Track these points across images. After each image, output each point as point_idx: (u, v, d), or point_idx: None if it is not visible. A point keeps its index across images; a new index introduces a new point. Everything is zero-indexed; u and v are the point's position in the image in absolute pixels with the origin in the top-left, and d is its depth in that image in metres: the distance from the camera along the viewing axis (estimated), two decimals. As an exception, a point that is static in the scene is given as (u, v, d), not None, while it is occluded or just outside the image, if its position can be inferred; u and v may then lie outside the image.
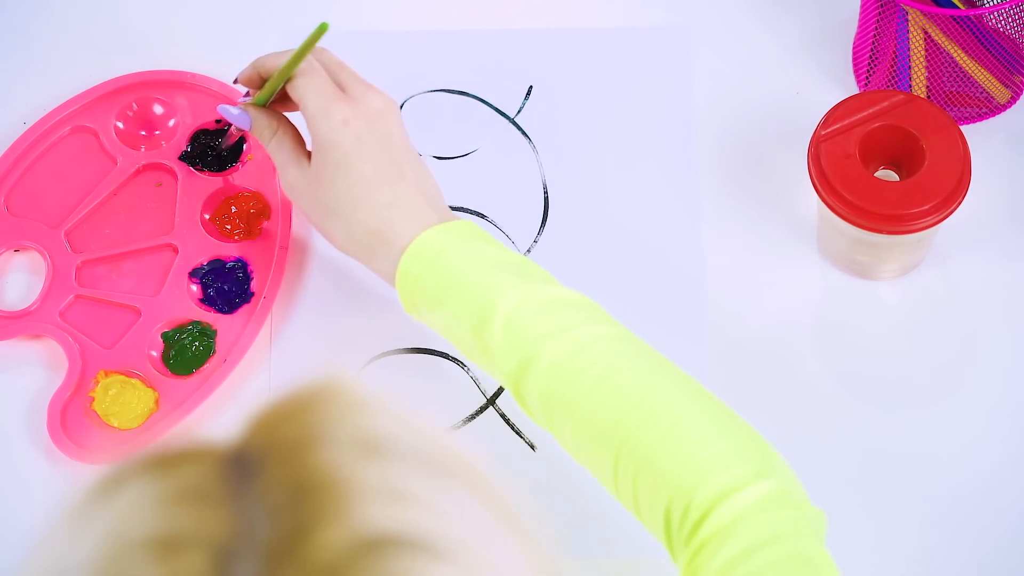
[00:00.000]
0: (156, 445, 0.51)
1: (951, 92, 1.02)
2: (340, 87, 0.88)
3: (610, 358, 0.80)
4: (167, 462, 0.50)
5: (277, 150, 0.90)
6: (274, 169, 1.02)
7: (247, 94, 0.93)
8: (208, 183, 1.02)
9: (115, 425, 0.95)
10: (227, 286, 0.99)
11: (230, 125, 0.99)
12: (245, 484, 0.48)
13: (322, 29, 0.84)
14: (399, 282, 0.85)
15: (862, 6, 1.01)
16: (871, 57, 1.03)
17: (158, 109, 1.04)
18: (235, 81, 0.93)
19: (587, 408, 0.79)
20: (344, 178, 0.86)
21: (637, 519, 0.79)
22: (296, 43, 0.88)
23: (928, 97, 1.01)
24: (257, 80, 0.91)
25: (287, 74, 0.88)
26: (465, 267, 0.83)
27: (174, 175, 1.02)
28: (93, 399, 0.96)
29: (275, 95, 0.91)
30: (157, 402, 0.96)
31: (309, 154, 0.89)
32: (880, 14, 1.00)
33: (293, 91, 0.88)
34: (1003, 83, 1.02)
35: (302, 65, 0.87)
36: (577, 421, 0.80)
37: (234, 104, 0.92)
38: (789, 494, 0.76)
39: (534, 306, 0.82)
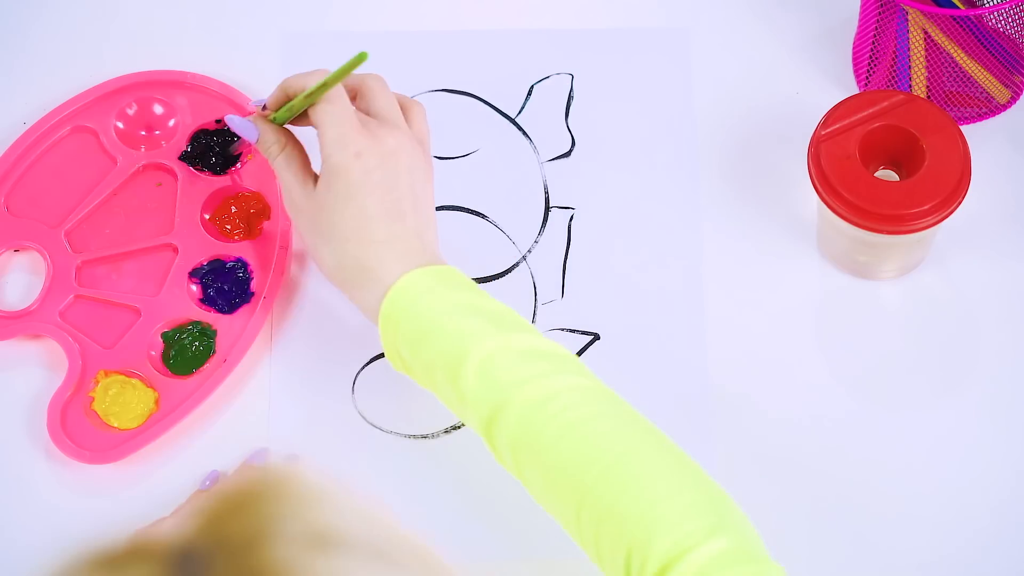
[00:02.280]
0: (102, 544, 0.50)
1: (951, 92, 1.02)
2: (366, 114, 0.89)
3: (579, 408, 0.81)
4: (114, 564, 0.49)
5: (284, 167, 0.90)
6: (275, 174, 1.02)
7: (264, 108, 0.93)
8: (208, 183, 1.02)
9: (115, 425, 0.95)
10: (227, 286, 0.99)
11: (236, 135, 0.99)
12: None
13: (359, 59, 0.83)
14: (381, 320, 0.86)
15: (862, 6, 1.01)
16: (871, 57, 1.03)
17: (158, 109, 1.04)
18: (264, 107, 0.92)
19: (554, 456, 0.80)
20: (345, 208, 0.86)
21: (600, 569, 0.79)
22: (305, 56, 0.88)
23: (928, 97, 1.01)
24: (284, 101, 0.91)
25: (313, 99, 0.87)
26: (444, 312, 0.84)
27: (174, 175, 1.02)
28: (93, 399, 0.96)
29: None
30: (157, 402, 0.96)
31: (314, 176, 0.90)
32: (880, 14, 1.00)
33: (314, 114, 0.88)
34: (1003, 83, 1.02)
35: (334, 93, 0.87)
36: (544, 468, 0.81)
37: (243, 114, 0.92)
38: (745, 551, 0.76)
39: (508, 354, 0.83)
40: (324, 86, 0.86)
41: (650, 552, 0.76)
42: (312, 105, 0.88)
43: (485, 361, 0.82)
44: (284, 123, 0.91)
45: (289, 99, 0.90)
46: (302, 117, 0.90)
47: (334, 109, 0.87)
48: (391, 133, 0.88)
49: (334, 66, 0.87)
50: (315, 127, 0.88)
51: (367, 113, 0.90)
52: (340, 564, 0.49)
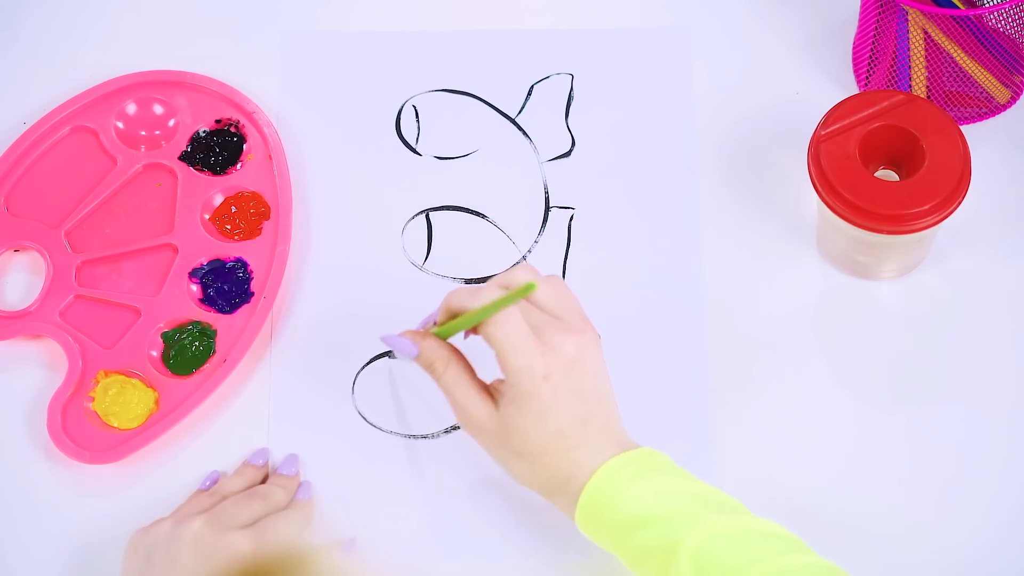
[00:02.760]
0: None
1: (951, 92, 1.02)
2: (534, 329, 0.84)
3: None
4: None
5: (454, 384, 0.86)
6: (273, 169, 1.02)
7: (434, 324, 0.88)
8: (208, 183, 1.02)
9: (115, 425, 0.95)
10: (227, 286, 0.99)
11: (230, 126, 0.98)
12: None
13: (529, 288, 0.81)
14: (579, 515, 0.84)
15: (862, 6, 1.01)
16: (871, 57, 1.03)
17: (158, 109, 1.04)
18: (435, 323, 0.88)
19: None
20: (537, 428, 0.84)
21: None
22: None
23: (928, 97, 1.01)
24: (448, 318, 0.87)
25: (478, 319, 0.84)
26: (648, 503, 0.82)
27: (174, 175, 1.02)
28: (93, 399, 0.96)
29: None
30: (157, 402, 0.96)
31: (487, 391, 0.86)
32: (880, 14, 1.00)
33: (488, 337, 0.84)
34: (1003, 83, 1.02)
35: (501, 313, 0.84)
36: None
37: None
38: None
39: (724, 539, 0.80)
40: (491, 308, 0.83)
41: None
42: (481, 323, 0.84)
43: (699, 549, 0.79)
44: (445, 338, 0.88)
45: (453, 317, 0.87)
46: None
47: (508, 331, 0.83)
48: (567, 338, 0.84)
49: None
50: (490, 345, 0.84)
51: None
52: None
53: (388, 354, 0.98)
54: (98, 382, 0.96)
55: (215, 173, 1.02)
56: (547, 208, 1.03)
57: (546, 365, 0.83)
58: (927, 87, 1.01)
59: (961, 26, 0.99)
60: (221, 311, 0.98)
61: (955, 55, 1.00)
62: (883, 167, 0.96)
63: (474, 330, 0.86)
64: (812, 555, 0.80)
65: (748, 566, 0.78)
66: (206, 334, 0.97)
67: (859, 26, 1.03)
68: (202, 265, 0.99)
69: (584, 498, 0.83)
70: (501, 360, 0.83)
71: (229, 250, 1.00)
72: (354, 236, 1.02)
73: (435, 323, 0.88)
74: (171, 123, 1.04)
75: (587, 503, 0.83)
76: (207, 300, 0.99)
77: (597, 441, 0.84)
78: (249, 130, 1.03)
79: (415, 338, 0.87)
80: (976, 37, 0.99)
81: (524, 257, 1.01)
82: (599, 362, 0.86)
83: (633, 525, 0.81)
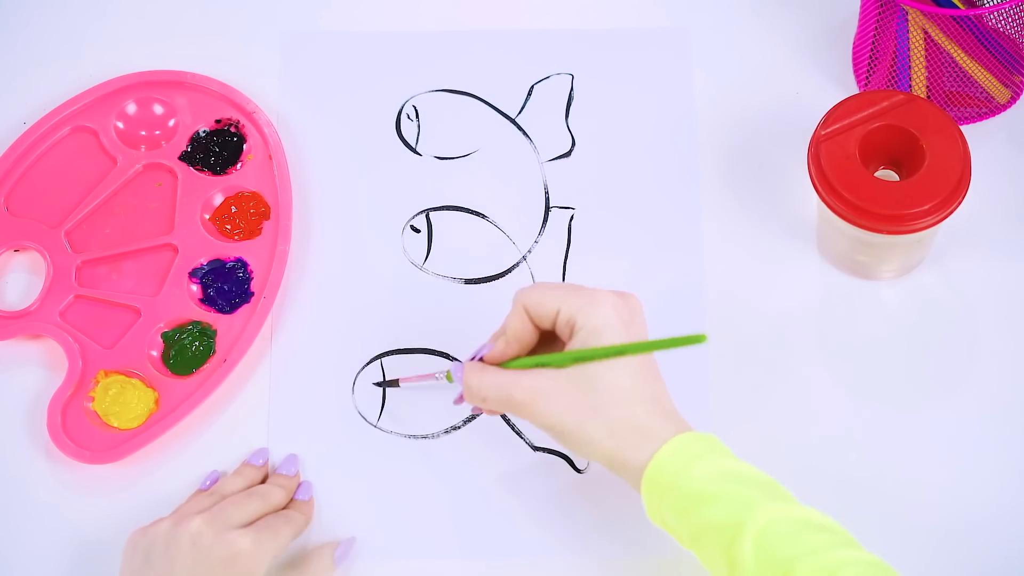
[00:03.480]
0: None
1: (951, 92, 1.02)
2: None
3: None
4: None
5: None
6: (273, 169, 1.02)
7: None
8: (208, 183, 1.02)
9: (115, 425, 0.95)
10: (227, 286, 0.99)
11: (230, 126, 0.98)
12: None
13: (699, 339, 0.81)
14: (645, 484, 0.83)
15: (862, 6, 1.01)
16: (871, 57, 1.03)
17: (158, 109, 1.04)
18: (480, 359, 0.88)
19: None
20: (608, 370, 0.84)
21: None
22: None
23: (928, 97, 1.01)
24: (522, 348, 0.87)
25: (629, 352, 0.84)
26: (715, 480, 0.82)
27: (174, 175, 1.02)
28: (93, 399, 0.96)
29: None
30: (157, 402, 0.96)
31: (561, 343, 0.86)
32: (880, 14, 1.00)
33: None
34: (1003, 83, 1.02)
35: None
36: None
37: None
38: None
39: (785, 525, 0.80)
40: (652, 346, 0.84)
41: None
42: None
43: (763, 532, 0.80)
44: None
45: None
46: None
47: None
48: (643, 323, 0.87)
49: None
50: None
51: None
52: None
53: (386, 355, 0.98)
54: (98, 382, 0.96)
55: (215, 173, 1.02)
56: (547, 208, 1.03)
57: (614, 300, 0.85)
58: (927, 87, 1.01)
59: (961, 26, 0.99)
60: (221, 311, 0.98)
61: (955, 55, 1.00)
62: (883, 167, 0.96)
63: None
64: (862, 550, 0.81)
65: (805, 556, 0.79)
66: (206, 334, 0.97)
67: (859, 26, 1.03)
68: (202, 265, 0.99)
69: (651, 470, 0.83)
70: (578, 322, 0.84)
71: (229, 250, 1.00)
72: (354, 236, 1.02)
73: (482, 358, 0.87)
74: (171, 123, 1.04)
75: (653, 475, 0.83)
76: (207, 300, 0.99)
77: (668, 404, 0.85)
78: (249, 130, 1.03)
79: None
80: (976, 37, 0.99)
81: (524, 257, 1.01)
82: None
83: (700, 500, 0.82)
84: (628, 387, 0.84)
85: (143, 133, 1.04)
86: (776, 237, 1.01)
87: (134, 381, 0.96)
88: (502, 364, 0.86)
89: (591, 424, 0.84)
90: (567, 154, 1.04)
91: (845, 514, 0.92)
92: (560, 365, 0.84)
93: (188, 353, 0.97)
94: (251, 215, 1.01)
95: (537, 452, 0.95)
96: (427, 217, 1.02)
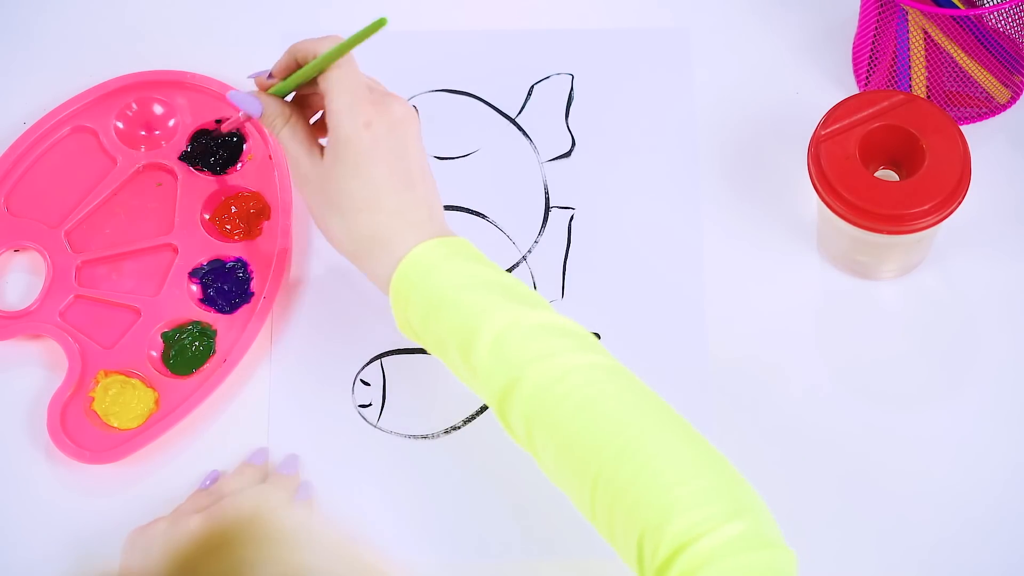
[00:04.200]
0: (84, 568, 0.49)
1: (951, 92, 1.02)
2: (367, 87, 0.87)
3: (594, 385, 0.80)
4: None
5: (290, 139, 0.89)
6: (273, 169, 1.02)
7: (270, 75, 0.90)
8: (208, 183, 1.02)
9: (115, 425, 0.95)
10: (227, 286, 0.99)
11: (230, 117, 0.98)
12: None
13: (378, 24, 0.82)
14: (393, 290, 0.85)
15: (862, 6, 1.01)
16: (871, 57, 1.03)
17: (158, 109, 1.04)
18: (270, 75, 0.90)
19: (568, 433, 0.79)
20: (355, 177, 0.86)
21: (612, 548, 0.79)
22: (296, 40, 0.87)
23: (928, 97, 1.01)
24: (292, 67, 0.89)
25: (326, 64, 0.85)
26: (457, 286, 0.83)
27: (174, 175, 1.02)
28: (93, 399, 0.96)
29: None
30: (157, 402, 0.96)
31: (320, 146, 0.89)
32: (880, 14, 1.00)
33: (324, 81, 0.86)
34: (1003, 83, 1.02)
35: (345, 61, 0.86)
36: (557, 446, 0.80)
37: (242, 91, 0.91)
38: (760, 535, 0.75)
39: (522, 330, 0.82)
40: (338, 52, 0.85)
41: (663, 535, 0.74)
42: (321, 72, 0.86)
43: (499, 336, 0.81)
44: (287, 94, 0.90)
45: (298, 66, 0.88)
46: (308, 84, 0.89)
47: (345, 75, 0.85)
48: (398, 101, 0.87)
49: (345, 32, 0.85)
50: (323, 94, 0.86)
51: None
52: None
53: (386, 355, 0.98)
54: (98, 382, 0.96)
55: (215, 173, 1.02)
56: (547, 208, 1.03)
57: (371, 113, 0.85)
58: (927, 87, 1.01)
59: (961, 26, 0.99)
60: (221, 311, 0.98)
61: (955, 55, 1.00)
62: (883, 167, 0.96)
63: (312, 83, 0.87)
64: (607, 356, 0.82)
65: (544, 357, 0.80)
66: (206, 334, 0.97)
67: (859, 26, 1.03)
68: (202, 265, 0.99)
69: (399, 272, 0.84)
70: (328, 103, 0.86)
71: (229, 250, 1.00)
72: (354, 236, 1.02)
73: (270, 75, 0.90)
74: (171, 123, 1.04)
75: (400, 277, 0.84)
76: (207, 300, 0.99)
77: (417, 216, 0.86)
78: (249, 130, 1.03)
79: (259, 95, 0.89)
80: (976, 37, 0.99)
81: (524, 257, 1.01)
82: (421, 142, 0.88)
83: (440, 305, 0.83)
84: (370, 197, 0.85)
85: (143, 133, 1.04)
86: (776, 237, 1.01)
87: (134, 381, 0.96)
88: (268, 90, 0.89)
89: (332, 222, 0.87)
90: (567, 154, 1.04)
91: (845, 513, 0.93)
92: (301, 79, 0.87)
93: (188, 353, 0.97)
94: (251, 215, 1.01)
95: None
96: (427, 217, 1.02)
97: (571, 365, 0.81)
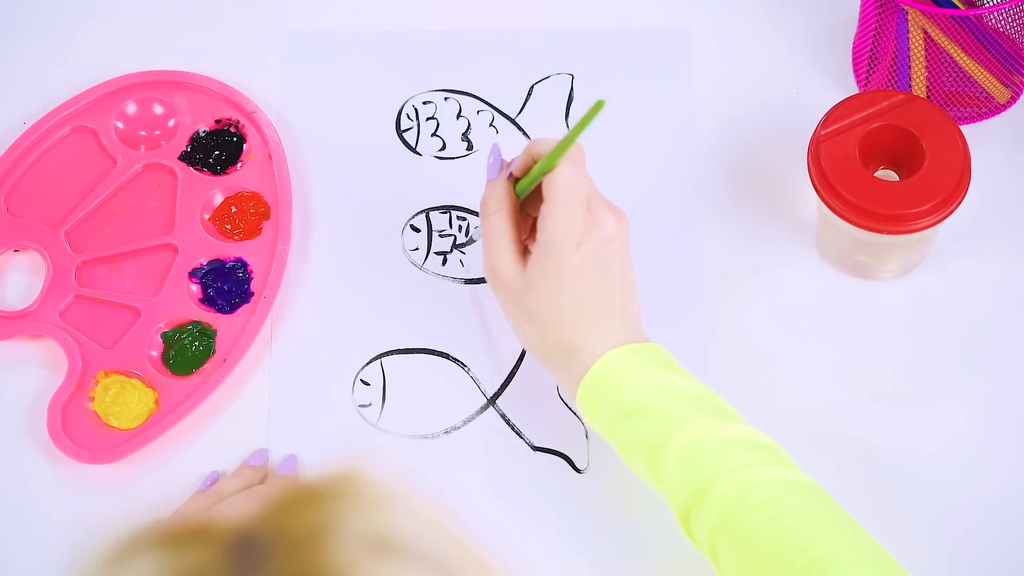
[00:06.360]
0: (171, 520, 0.50)
1: (951, 92, 1.02)
2: (586, 198, 0.86)
3: (787, 499, 0.79)
4: (177, 540, 0.49)
5: (496, 230, 0.86)
6: (273, 169, 1.02)
7: (510, 176, 0.88)
8: (208, 183, 1.02)
9: (115, 425, 0.95)
10: (227, 286, 0.99)
11: (230, 126, 0.98)
12: (250, 572, 0.47)
13: (598, 107, 0.80)
14: (580, 398, 0.85)
15: (862, 6, 1.01)
16: (871, 57, 1.03)
17: (158, 109, 1.04)
18: (509, 176, 0.88)
19: (755, 545, 0.78)
20: (557, 292, 0.85)
21: None
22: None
23: (928, 97, 1.01)
24: (528, 167, 0.87)
25: (555, 160, 0.84)
26: (648, 395, 0.82)
27: (174, 175, 1.02)
28: (93, 399, 0.96)
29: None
30: (157, 402, 0.96)
31: (524, 250, 0.87)
32: (880, 14, 1.00)
33: (547, 186, 0.84)
34: (1003, 83, 1.02)
35: (572, 160, 0.84)
36: (742, 557, 0.79)
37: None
38: None
39: (712, 443, 0.81)
40: (565, 144, 0.83)
41: None
42: (550, 171, 0.85)
43: (689, 448, 0.80)
44: (523, 194, 0.87)
45: (534, 162, 0.87)
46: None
47: (567, 189, 0.84)
48: (611, 216, 0.86)
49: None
50: (544, 196, 0.85)
51: None
52: (400, 571, 0.49)
53: (386, 355, 0.98)
54: (98, 382, 0.96)
55: (215, 173, 1.02)
56: (547, 208, 1.03)
57: (583, 234, 0.84)
58: (927, 87, 1.01)
59: (961, 26, 0.99)
60: (221, 311, 0.98)
61: (955, 55, 1.00)
62: (883, 167, 0.96)
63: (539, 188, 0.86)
64: (795, 471, 0.82)
65: (727, 473, 0.80)
66: (206, 334, 0.97)
67: (859, 26, 1.03)
68: (202, 265, 0.99)
69: (588, 378, 0.84)
70: (544, 215, 0.84)
71: (229, 250, 1.00)
72: (354, 236, 1.02)
73: (511, 174, 0.88)
74: (171, 123, 1.04)
75: (590, 383, 0.84)
76: (207, 300, 0.99)
77: (612, 325, 0.85)
78: (249, 130, 1.03)
79: (502, 174, 0.88)
80: (976, 37, 0.99)
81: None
82: (629, 250, 0.87)
83: (629, 414, 0.82)
84: (568, 311, 0.85)
85: (143, 133, 1.04)
86: (776, 237, 1.01)
87: (134, 381, 0.96)
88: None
89: (527, 329, 0.86)
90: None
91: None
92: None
93: (188, 353, 0.97)
94: (251, 215, 1.01)
95: (537, 452, 0.95)
96: (427, 217, 1.02)
97: (764, 478, 0.80)
